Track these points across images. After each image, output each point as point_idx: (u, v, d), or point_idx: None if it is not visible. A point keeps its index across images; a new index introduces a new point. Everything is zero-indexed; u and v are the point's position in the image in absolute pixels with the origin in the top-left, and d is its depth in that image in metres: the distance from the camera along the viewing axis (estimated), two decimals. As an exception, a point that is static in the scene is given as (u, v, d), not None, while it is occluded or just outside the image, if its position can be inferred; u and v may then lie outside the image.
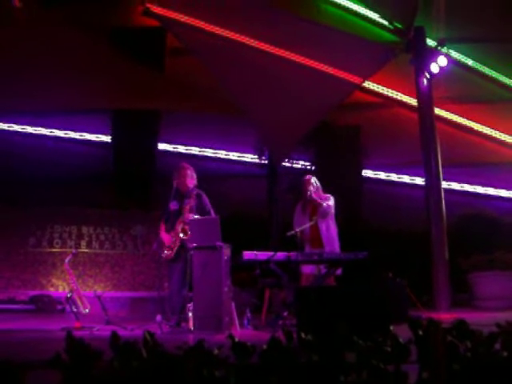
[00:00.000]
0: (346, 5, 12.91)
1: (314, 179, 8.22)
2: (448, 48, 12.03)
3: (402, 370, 2.10)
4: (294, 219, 8.27)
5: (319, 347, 2.12)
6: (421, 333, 2.25)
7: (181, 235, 7.46)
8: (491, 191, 16.01)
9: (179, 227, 7.54)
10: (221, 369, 2.17)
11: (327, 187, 8.38)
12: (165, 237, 7.68)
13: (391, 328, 2.42)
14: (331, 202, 8.03)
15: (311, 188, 8.06)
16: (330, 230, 8.03)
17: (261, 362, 2.15)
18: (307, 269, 7.90)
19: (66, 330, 6.59)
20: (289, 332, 2.24)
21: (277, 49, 12.38)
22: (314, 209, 8.08)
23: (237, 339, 2.37)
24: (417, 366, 2.23)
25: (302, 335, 2.22)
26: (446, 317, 7.90)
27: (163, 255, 7.67)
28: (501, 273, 10.86)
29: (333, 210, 8.06)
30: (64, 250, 12.38)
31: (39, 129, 14.52)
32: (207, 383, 2.03)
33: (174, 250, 7.55)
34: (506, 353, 2.13)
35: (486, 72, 13.50)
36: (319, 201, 7.98)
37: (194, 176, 7.92)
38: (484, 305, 10.54)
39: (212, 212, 7.74)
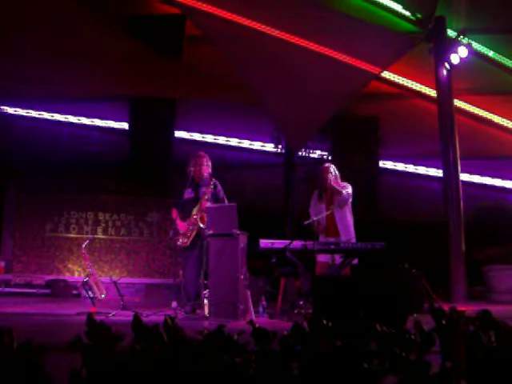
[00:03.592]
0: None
1: (332, 167, 8.19)
2: (469, 39, 11.89)
3: (424, 359, 2.09)
4: (310, 208, 8.25)
5: (342, 334, 2.11)
6: (444, 322, 2.23)
7: (201, 225, 7.45)
8: (510, 184, 15.86)
9: (197, 216, 7.54)
10: (241, 355, 2.16)
11: (343, 177, 8.35)
12: (180, 224, 7.68)
13: (414, 316, 2.40)
14: (350, 190, 8.01)
15: (330, 176, 8.03)
16: (346, 218, 8.00)
17: (282, 348, 2.14)
18: (322, 257, 7.89)
19: (82, 315, 6.64)
20: (312, 319, 2.23)
21: (295, 38, 12.29)
22: (331, 197, 8.05)
23: (257, 325, 2.37)
24: (438, 356, 2.21)
25: (324, 322, 2.21)
26: (462, 309, 7.85)
27: (179, 243, 7.67)
28: (518, 267, 10.78)
29: (351, 199, 8.04)
30: (80, 235, 12.46)
31: (57, 115, 14.56)
32: (228, 369, 2.02)
33: (190, 239, 7.56)
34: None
35: (507, 64, 13.33)
36: (339, 188, 7.95)
37: (210, 164, 7.93)
38: (499, 298, 10.47)
39: (225, 201, 7.75)
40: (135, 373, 1.92)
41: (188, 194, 7.79)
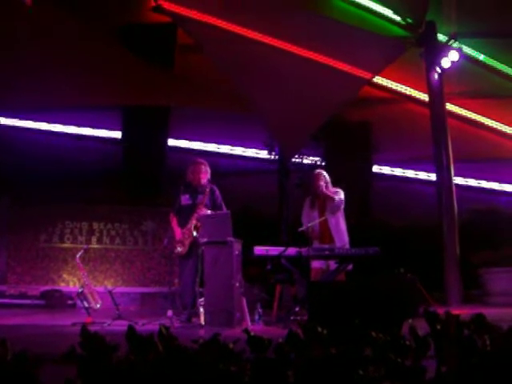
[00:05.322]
0: (357, 0, 12.91)
1: (323, 174, 8.22)
2: (459, 43, 11.94)
3: (420, 364, 2.09)
4: (302, 215, 8.27)
5: (337, 340, 2.11)
6: (438, 327, 2.23)
7: (194, 234, 7.44)
8: (503, 187, 15.90)
9: (192, 224, 7.53)
10: (236, 363, 2.16)
11: (337, 183, 8.38)
12: (177, 231, 7.67)
13: (409, 321, 2.40)
14: (342, 195, 8.05)
15: (322, 183, 8.06)
16: (339, 224, 8.04)
17: (277, 356, 2.14)
18: (316, 263, 7.90)
19: (77, 325, 6.61)
20: (306, 326, 2.23)
21: (287, 44, 12.31)
22: (323, 204, 8.08)
23: (252, 333, 2.36)
24: (434, 362, 2.21)
25: (319, 329, 2.20)
26: (457, 312, 7.85)
27: (176, 251, 7.66)
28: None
29: (343, 205, 8.07)
30: (75, 245, 12.40)
31: (50, 125, 14.52)
32: (223, 377, 2.02)
33: (187, 247, 7.54)
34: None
35: (498, 67, 13.40)
36: (331, 195, 7.98)
37: (209, 171, 7.94)
38: (494, 301, 10.48)
39: (223, 207, 7.74)
40: (131, 382, 1.91)
41: (185, 200, 7.78)
